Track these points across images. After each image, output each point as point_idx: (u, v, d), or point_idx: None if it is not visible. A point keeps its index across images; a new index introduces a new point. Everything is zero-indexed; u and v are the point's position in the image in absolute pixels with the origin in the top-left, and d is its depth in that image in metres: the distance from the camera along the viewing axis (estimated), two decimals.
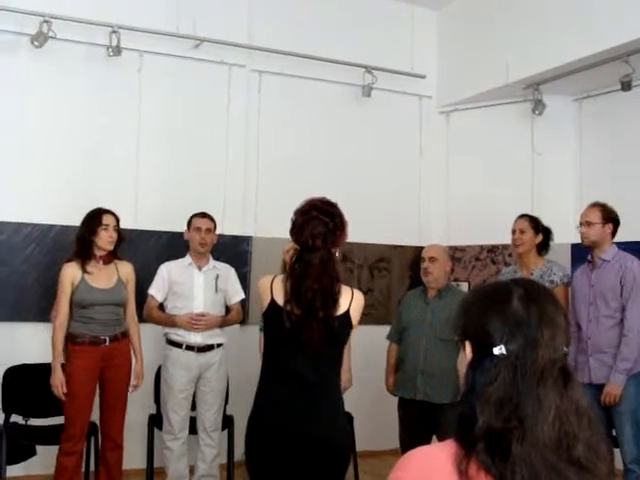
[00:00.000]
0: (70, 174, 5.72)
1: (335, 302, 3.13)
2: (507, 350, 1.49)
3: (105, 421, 5.04)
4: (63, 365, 4.84)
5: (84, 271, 4.89)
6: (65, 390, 4.80)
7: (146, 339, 5.31)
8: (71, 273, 4.89)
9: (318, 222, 3.24)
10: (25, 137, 5.63)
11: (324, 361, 3.13)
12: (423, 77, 6.99)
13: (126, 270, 5.07)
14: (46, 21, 5.48)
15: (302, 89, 6.58)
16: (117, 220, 4.99)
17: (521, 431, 1.42)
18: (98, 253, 4.94)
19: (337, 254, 3.26)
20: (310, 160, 6.56)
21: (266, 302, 3.18)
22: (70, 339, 4.87)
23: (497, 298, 1.56)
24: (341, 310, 3.14)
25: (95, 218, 4.92)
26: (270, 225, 6.24)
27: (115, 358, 4.92)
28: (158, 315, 5.31)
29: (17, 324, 5.54)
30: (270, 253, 5.91)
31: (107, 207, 5.02)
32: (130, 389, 5.04)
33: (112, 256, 5.01)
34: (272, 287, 3.20)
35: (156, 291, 5.29)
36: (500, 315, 1.53)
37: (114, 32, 5.70)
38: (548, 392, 1.46)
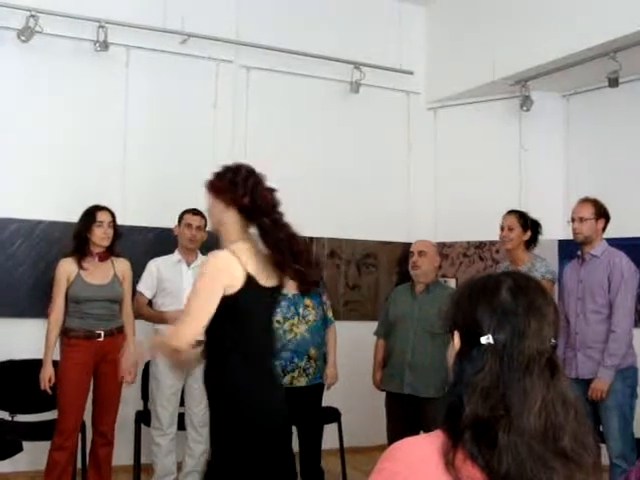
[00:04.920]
0: (57, 169, 5.70)
1: None
2: (494, 340, 1.50)
3: (97, 417, 5.05)
4: (55, 361, 4.85)
5: (80, 267, 4.92)
6: (51, 385, 4.82)
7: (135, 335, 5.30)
8: (67, 269, 4.93)
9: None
10: (11, 132, 5.61)
11: None
12: (411, 73, 7.00)
13: (122, 267, 5.08)
14: (33, 15, 5.45)
15: (290, 85, 6.57)
16: (113, 217, 5.01)
17: (507, 420, 1.43)
18: (94, 250, 4.96)
19: None
20: (297, 156, 6.55)
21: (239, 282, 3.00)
22: (65, 333, 4.91)
23: (486, 288, 1.57)
24: None
25: (90, 215, 4.96)
26: None
27: (110, 353, 4.90)
28: (147, 312, 5.31)
29: (8, 320, 5.51)
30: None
31: (95, 203, 5.02)
32: (124, 385, 5.05)
33: (109, 253, 5.02)
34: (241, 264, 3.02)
35: (145, 287, 5.29)
36: (488, 305, 1.53)
37: (101, 27, 5.68)
38: (534, 382, 1.47)
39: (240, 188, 3.13)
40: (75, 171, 5.73)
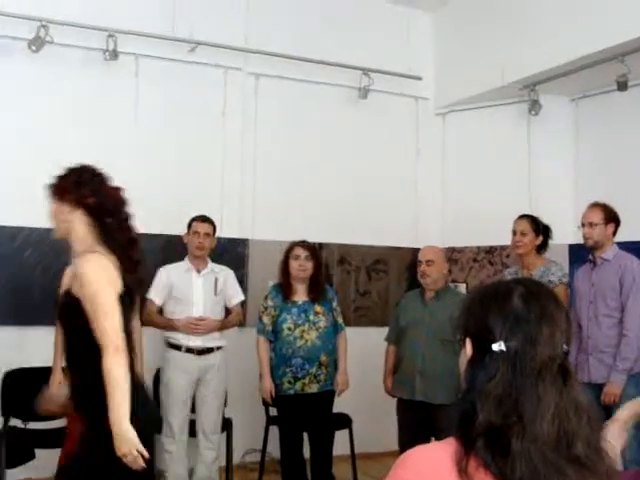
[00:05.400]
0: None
1: None
2: (507, 346, 1.50)
3: None
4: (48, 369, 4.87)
5: None
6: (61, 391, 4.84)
7: (145, 342, 5.29)
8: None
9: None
10: (22, 142, 5.62)
11: None
12: (419, 79, 6.99)
13: None
14: (43, 26, 5.48)
15: (299, 92, 6.58)
16: None
17: (520, 427, 1.43)
18: None
19: None
20: (307, 162, 6.57)
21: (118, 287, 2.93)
22: None
23: (498, 295, 1.58)
24: None
25: None
26: (267, 228, 6.26)
27: None
28: (158, 319, 5.33)
29: (16, 328, 5.52)
30: (267, 255, 5.94)
31: None
32: None
33: None
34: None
35: (155, 295, 5.30)
36: (500, 311, 1.54)
37: (111, 36, 5.70)
38: (547, 389, 1.47)
39: (85, 188, 3.03)
40: None
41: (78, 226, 2.99)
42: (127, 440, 2.68)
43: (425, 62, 7.15)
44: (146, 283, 3.15)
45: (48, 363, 4.99)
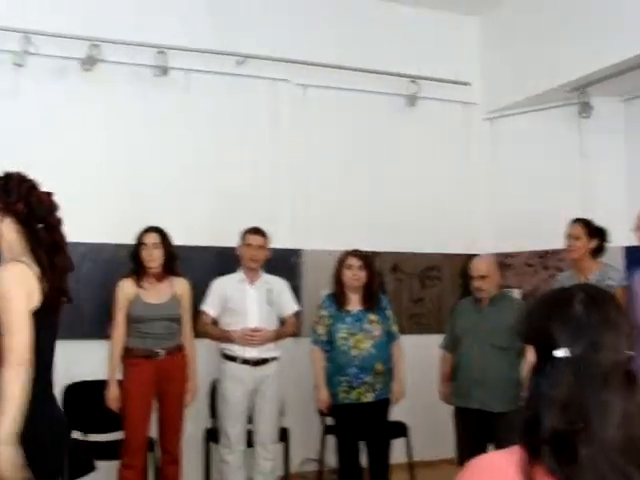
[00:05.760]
0: (120, 193, 5.80)
1: None
2: (570, 353, 1.49)
3: (162, 435, 5.13)
4: (121, 381, 4.95)
5: (139, 287, 5.06)
6: (119, 404, 4.92)
7: (201, 353, 5.38)
8: (126, 289, 5.07)
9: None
10: (76, 160, 5.71)
11: None
12: (468, 84, 6.97)
13: (181, 286, 5.17)
14: (95, 45, 5.58)
15: (347, 101, 6.59)
16: (162, 238, 5.10)
17: (587, 434, 1.42)
18: (149, 270, 5.05)
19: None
20: (357, 171, 6.58)
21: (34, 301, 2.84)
22: (126, 353, 5.03)
23: (559, 302, 1.57)
24: None
25: (138, 237, 5.11)
26: (320, 237, 6.27)
27: (170, 372, 5.02)
28: (213, 331, 5.37)
29: (75, 342, 5.59)
30: (320, 265, 5.95)
31: (155, 224, 5.12)
32: (188, 401, 5.14)
33: (166, 272, 5.11)
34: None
35: (209, 307, 5.35)
36: (562, 318, 1.53)
37: (160, 52, 5.78)
38: (613, 395, 1.45)
39: (13, 194, 2.96)
40: (137, 194, 5.82)
41: (7, 234, 2.95)
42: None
43: (472, 67, 7.12)
44: (68, 292, 3.07)
45: (103, 376, 5.09)
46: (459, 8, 7.02)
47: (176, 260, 5.18)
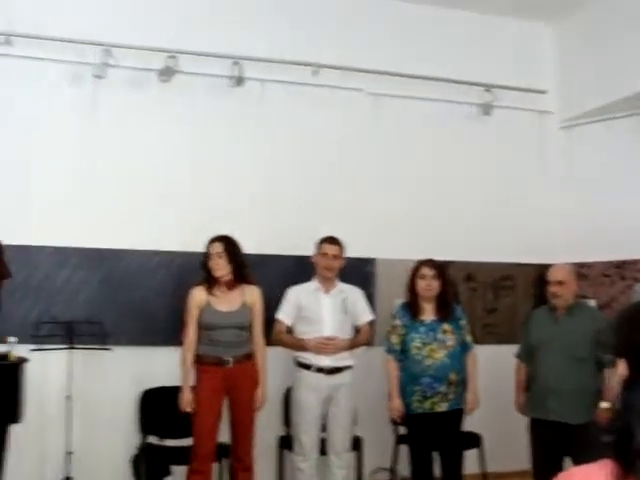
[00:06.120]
0: (197, 202, 5.89)
1: None
2: None
3: (234, 442, 5.18)
4: (194, 387, 5.03)
5: (210, 295, 5.11)
6: (191, 410, 4.99)
7: (275, 361, 5.42)
8: (197, 297, 5.13)
9: None
10: (153, 169, 5.84)
11: None
12: (543, 92, 6.89)
13: (252, 294, 5.21)
14: (172, 56, 5.69)
15: (420, 110, 6.57)
16: (227, 247, 5.14)
17: None
18: (219, 278, 5.11)
19: None
20: (430, 181, 6.56)
21: None
22: (198, 360, 5.09)
23: None
24: None
25: (206, 247, 5.16)
26: (393, 246, 6.27)
27: (239, 379, 5.07)
28: (287, 339, 5.41)
29: (150, 348, 5.71)
30: (394, 274, 5.94)
31: (230, 233, 5.19)
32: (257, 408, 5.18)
33: (236, 281, 5.15)
34: None
35: (284, 315, 5.39)
36: None
37: (236, 63, 5.85)
38: None
39: None
40: (213, 203, 5.90)
41: None
42: None
43: (547, 75, 7.04)
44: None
45: (178, 382, 5.16)
46: (532, 15, 6.94)
47: (245, 268, 5.21)
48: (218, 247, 5.13)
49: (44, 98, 5.66)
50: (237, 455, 5.16)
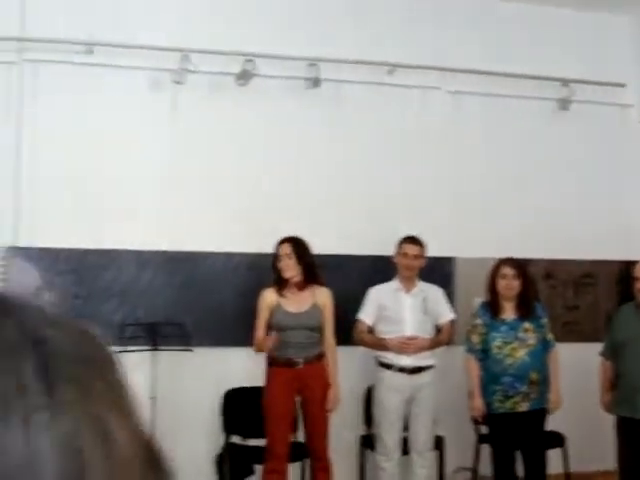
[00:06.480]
0: (275, 204, 5.93)
1: None
2: None
3: (310, 442, 5.23)
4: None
5: (280, 296, 5.15)
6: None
7: (355, 361, 5.47)
8: (268, 298, 5.19)
9: None
10: (233, 173, 5.89)
11: None
12: (623, 86, 6.77)
13: (322, 295, 5.24)
14: (249, 60, 5.75)
15: (498, 107, 6.49)
16: (296, 248, 5.17)
17: None
18: (290, 280, 5.15)
19: None
20: (511, 178, 6.47)
21: None
22: (268, 361, 5.15)
23: None
24: None
25: (275, 248, 5.23)
26: (472, 245, 6.23)
27: (310, 379, 5.11)
28: (368, 339, 5.42)
29: (231, 349, 5.77)
30: (473, 273, 5.91)
31: (308, 234, 5.25)
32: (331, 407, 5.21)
33: (307, 282, 5.19)
34: None
35: (365, 315, 5.41)
36: None
37: (312, 65, 5.89)
38: None
39: None
40: (291, 204, 5.94)
41: None
42: None
43: (625, 68, 6.90)
44: None
45: (253, 383, 5.23)
46: (610, 8, 6.81)
47: (315, 269, 5.23)
48: (287, 248, 5.17)
49: (125, 105, 5.77)
50: (314, 455, 5.20)
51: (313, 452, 5.20)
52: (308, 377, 5.10)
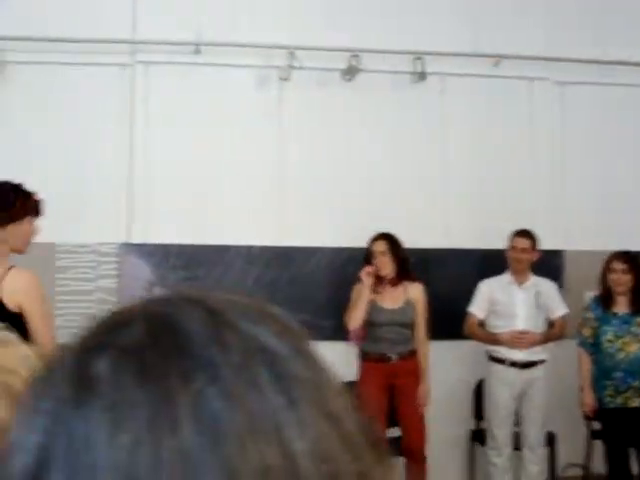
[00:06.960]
0: (376, 197, 5.95)
1: None
2: None
3: (405, 437, 5.19)
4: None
5: (374, 292, 5.14)
6: None
7: (464, 355, 5.45)
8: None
9: None
10: (340, 168, 5.93)
11: None
12: None
13: (415, 291, 5.22)
14: (355, 55, 5.77)
15: (607, 96, 6.34)
16: (391, 244, 5.17)
17: None
18: (383, 276, 5.17)
19: None
20: (620, 168, 6.29)
21: None
22: (361, 356, 5.17)
23: None
24: None
25: (369, 244, 5.23)
26: (582, 238, 6.10)
27: (402, 375, 5.11)
28: (480, 332, 5.40)
29: (340, 342, 5.79)
30: (583, 267, 5.80)
31: (401, 229, 5.25)
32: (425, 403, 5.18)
33: (399, 278, 5.19)
34: None
35: (477, 308, 5.38)
36: None
37: (418, 58, 5.87)
38: None
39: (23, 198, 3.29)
40: (398, 198, 5.95)
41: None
42: None
43: None
44: None
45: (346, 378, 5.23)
46: None
47: (408, 265, 5.22)
48: (382, 245, 5.17)
49: (232, 103, 5.86)
50: (409, 449, 5.15)
51: (408, 447, 5.18)
52: (400, 372, 5.10)
